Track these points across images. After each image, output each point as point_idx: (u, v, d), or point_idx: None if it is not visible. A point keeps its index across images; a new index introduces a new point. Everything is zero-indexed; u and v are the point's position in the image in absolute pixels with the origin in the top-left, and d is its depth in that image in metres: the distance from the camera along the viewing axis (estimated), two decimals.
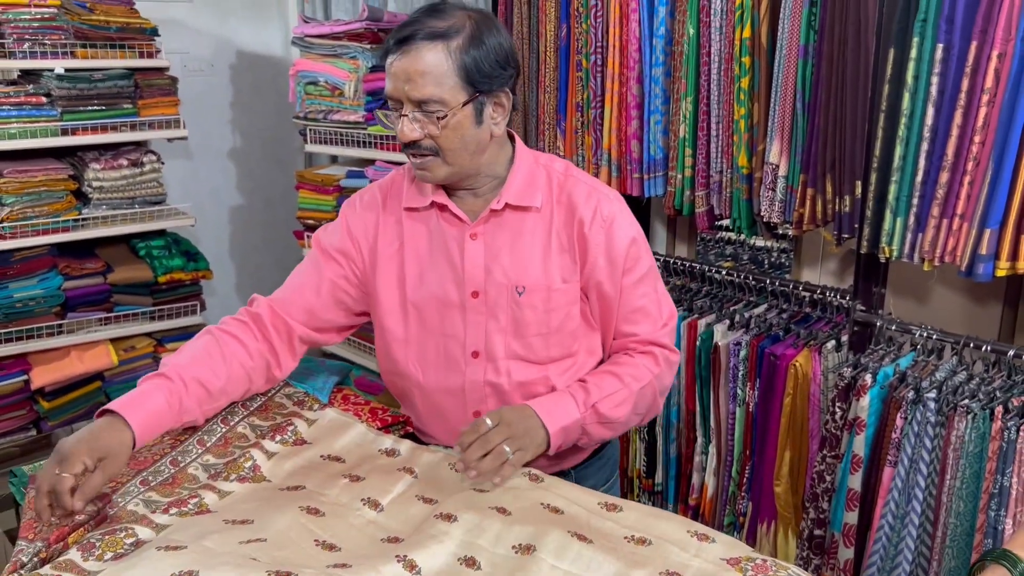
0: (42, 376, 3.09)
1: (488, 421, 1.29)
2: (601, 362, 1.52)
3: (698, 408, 2.31)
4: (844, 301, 2.14)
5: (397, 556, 1.11)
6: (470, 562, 1.13)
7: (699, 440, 2.32)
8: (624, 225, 1.43)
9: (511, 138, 1.46)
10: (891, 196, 1.84)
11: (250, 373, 1.43)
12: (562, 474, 1.53)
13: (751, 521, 2.19)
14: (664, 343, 1.48)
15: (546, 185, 1.43)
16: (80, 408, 3.25)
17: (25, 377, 3.08)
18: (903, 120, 1.80)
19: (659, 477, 2.43)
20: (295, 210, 3.56)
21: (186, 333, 3.46)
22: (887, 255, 1.88)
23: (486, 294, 1.41)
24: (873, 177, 1.87)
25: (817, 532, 1.97)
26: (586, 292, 1.45)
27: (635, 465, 2.49)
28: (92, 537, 1.13)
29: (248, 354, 1.43)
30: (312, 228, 3.52)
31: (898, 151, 1.82)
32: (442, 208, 1.43)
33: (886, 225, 1.86)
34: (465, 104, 1.31)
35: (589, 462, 1.57)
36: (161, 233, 3.38)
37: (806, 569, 1.99)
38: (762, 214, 2.15)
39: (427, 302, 1.44)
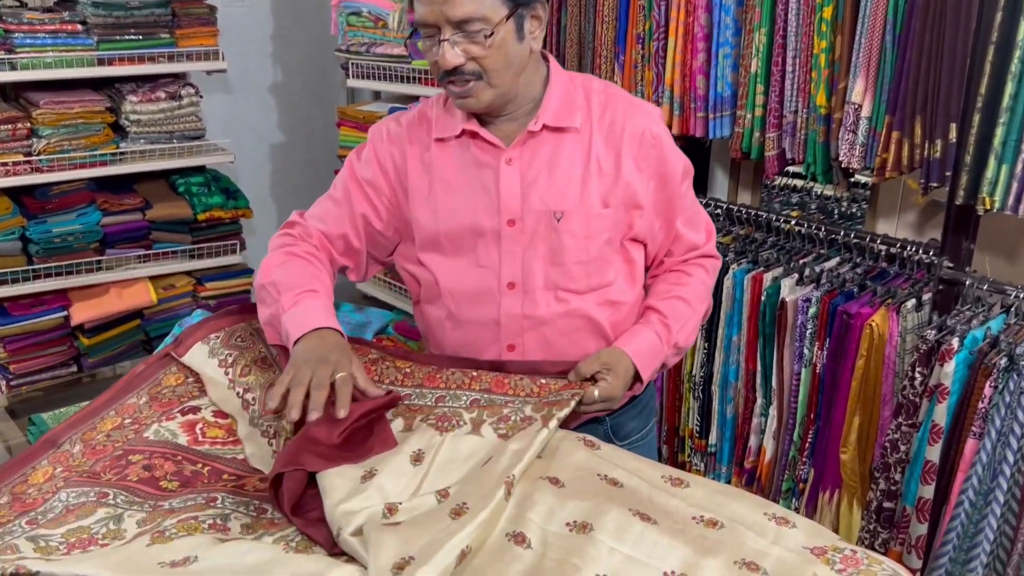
0: (82, 312, 3.07)
1: (596, 393, 1.27)
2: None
3: (759, 367, 2.16)
4: (927, 256, 1.96)
5: None
6: (519, 538, 1.02)
7: (759, 401, 2.17)
8: (671, 142, 1.41)
9: (544, 58, 1.39)
10: (997, 141, 1.64)
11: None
12: (596, 422, 1.45)
13: (812, 488, 2.06)
14: (716, 255, 1.51)
15: (584, 105, 1.36)
16: (120, 345, 3.23)
17: (65, 313, 3.07)
18: (1017, 53, 1.60)
19: (713, 438, 2.30)
20: (336, 148, 3.44)
21: (226, 272, 3.41)
22: (987, 207, 1.69)
23: (523, 222, 1.34)
24: (975, 119, 1.67)
25: (887, 504, 1.83)
26: (634, 215, 1.38)
27: (687, 424, 2.36)
28: None
29: (330, 273, 1.40)
30: None
31: (1009, 89, 1.62)
32: (474, 135, 1.35)
33: (989, 173, 1.67)
34: (507, 19, 1.23)
35: (625, 408, 1.48)
36: (200, 170, 3.32)
37: (873, 543, 1.85)
38: (840, 159, 1.96)
39: (460, 233, 1.37)
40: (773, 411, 2.13)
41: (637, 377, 1.38)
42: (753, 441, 2.20)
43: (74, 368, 3.18)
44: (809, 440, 2.06)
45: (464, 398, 1.29)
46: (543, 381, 1.30)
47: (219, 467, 1.19)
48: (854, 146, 1.93)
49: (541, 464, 1.16)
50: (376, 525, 0.98)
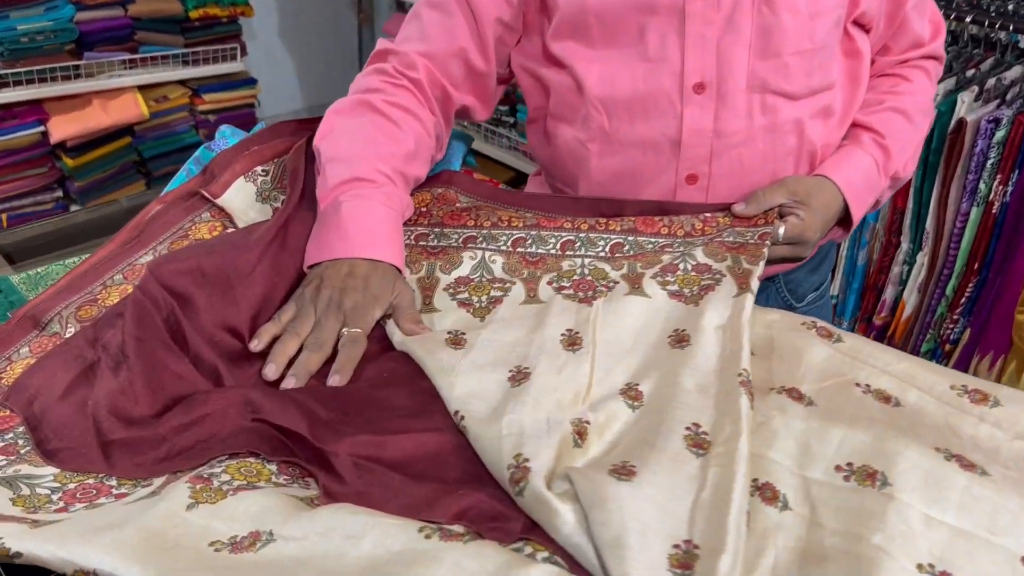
0: (62, 128, 2.66)
1: (781, 232, 0.92)
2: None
3: (911, 205, 1.75)
4: None
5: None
6: (767, 492, 0.65)
7: (904, 246, 1.78)
8: None
9: None
10: None
11: (433, 157, 0.99)
12: (766, 279, 1.09)
13: (964, 350, 1.72)
14: (941, 55, 1.10)
15: None
16: (110, 167, 2.82)
17: (42, 128, 2.67)
18: None
19: (835, 288, 1.93)
20: None
21: (226, 82, 2.96)
22: None
23: None
24: None
25: None
26: None
27: None
28: None
29: (427, 133, 0.96)
30: None
31: None
32: None
33: None
34: None
35: (804, 262, 1.10)
36: None
37: None
38: None
39: (620, 10, 0.92)
40: (923, 258, 1.75)
41: (843, 218, 1.01)
42: (889, 293, 1.83)
43: (59, 192, 2.79)
44: (967, 294, 1.69)
45: (601, 243, 0.91)
46: (707, 215, 0.93)
47: None
48: None
49: (760, 365, 0.77)
50: (590, 480, 0.60)
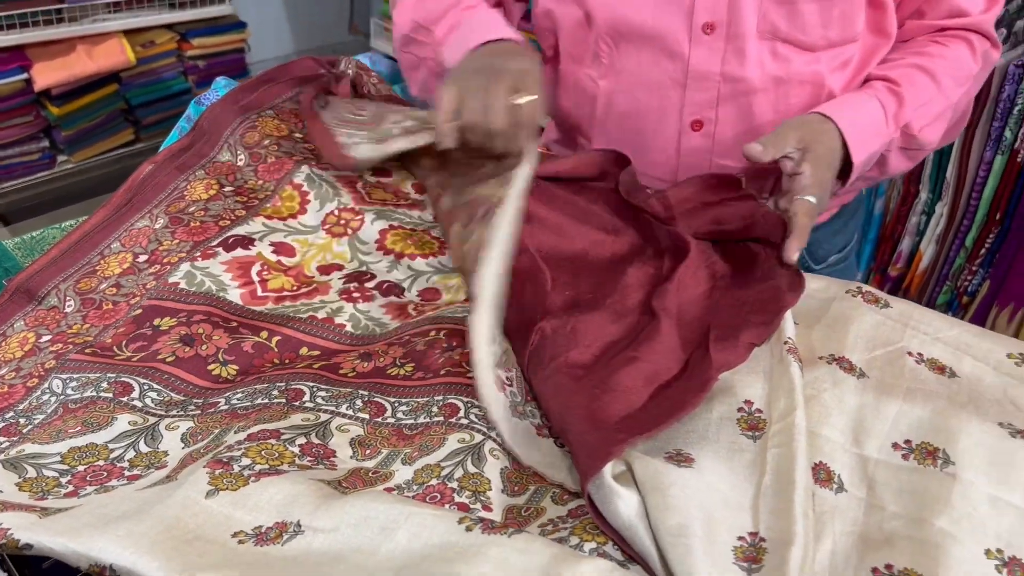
0: (46, 75, 2.56)
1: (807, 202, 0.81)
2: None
3: (931, 154, 1.70)
4: None
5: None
6: (822, 475, 0.61)
7: (922, 196, 1.73)
8: None
9: None
10: None
11: None
12: None
13: (983, 303, 1.68)
14: (988, 32, 0.97)
15: None
16: (96, 115, 2.73)
17: (25, 76, 2.56)
18: None
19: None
20: None
21: (215, 26, 2.85)
22: None
23: None
24: None
25: None
26: None
27: None
28: None
29: None
30: None
31: None
32: None
33: None
34: None
35: (831, 218, 1.08)
36: None
37: None
38: None
39: None
40: (942, 208, 1.70)
41: (844, 164, 0.90)
42: (905, 244, 1.79)
43: (45, 143, 2.70)
44: (987, 245, 1.65)
45: None
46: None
47: (295, 336, 0.76)
48: None
49: (805, 335, 0.73)
50: (648, 465, 0.56)
